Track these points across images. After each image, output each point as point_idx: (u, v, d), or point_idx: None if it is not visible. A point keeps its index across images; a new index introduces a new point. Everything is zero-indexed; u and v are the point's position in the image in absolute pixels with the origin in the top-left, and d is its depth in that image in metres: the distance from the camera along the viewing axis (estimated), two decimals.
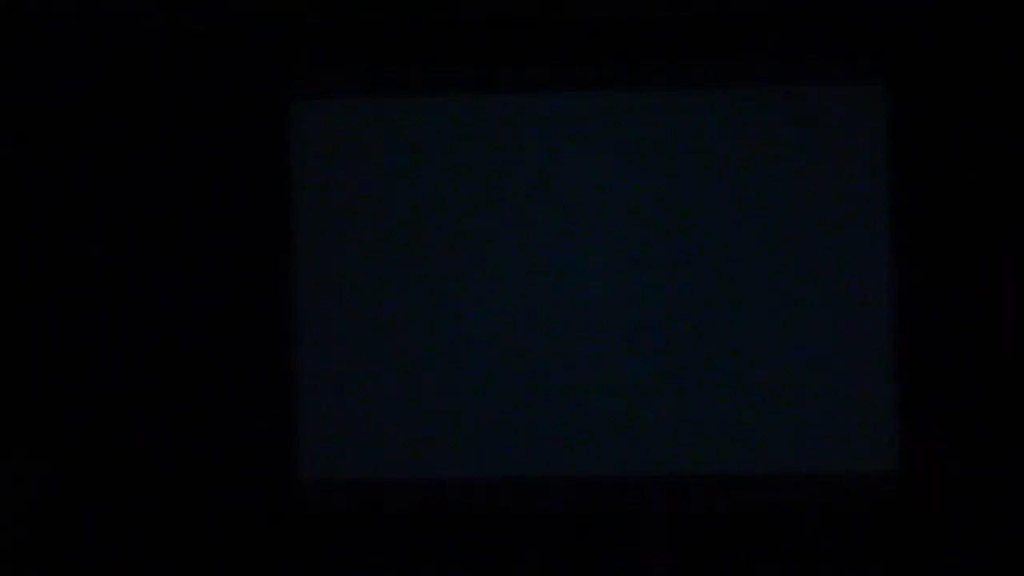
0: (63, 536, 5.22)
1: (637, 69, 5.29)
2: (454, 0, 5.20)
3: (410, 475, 5.26)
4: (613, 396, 5.23)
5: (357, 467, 5.28)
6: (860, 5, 5.20)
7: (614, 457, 5.22)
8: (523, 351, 5.26)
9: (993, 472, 5.09)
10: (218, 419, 5.24)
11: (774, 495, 5.18)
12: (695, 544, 5.18)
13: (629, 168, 5.28)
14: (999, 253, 5.12)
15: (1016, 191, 5.14)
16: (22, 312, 5.24)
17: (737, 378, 5.21)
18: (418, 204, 5.29)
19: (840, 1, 5.20)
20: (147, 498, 5.24)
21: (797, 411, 5.20)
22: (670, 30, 5.24)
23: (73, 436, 5.25)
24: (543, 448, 5.23)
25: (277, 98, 5.30)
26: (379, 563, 5.23)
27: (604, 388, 5.23)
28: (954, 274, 5.12)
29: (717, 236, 5.24)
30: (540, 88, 5.31)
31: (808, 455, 5.19)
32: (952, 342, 5.12)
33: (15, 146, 5.26)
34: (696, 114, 5.28)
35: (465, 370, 5.27)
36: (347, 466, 5.28)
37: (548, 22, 5.26)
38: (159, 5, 5.19)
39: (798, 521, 5.16)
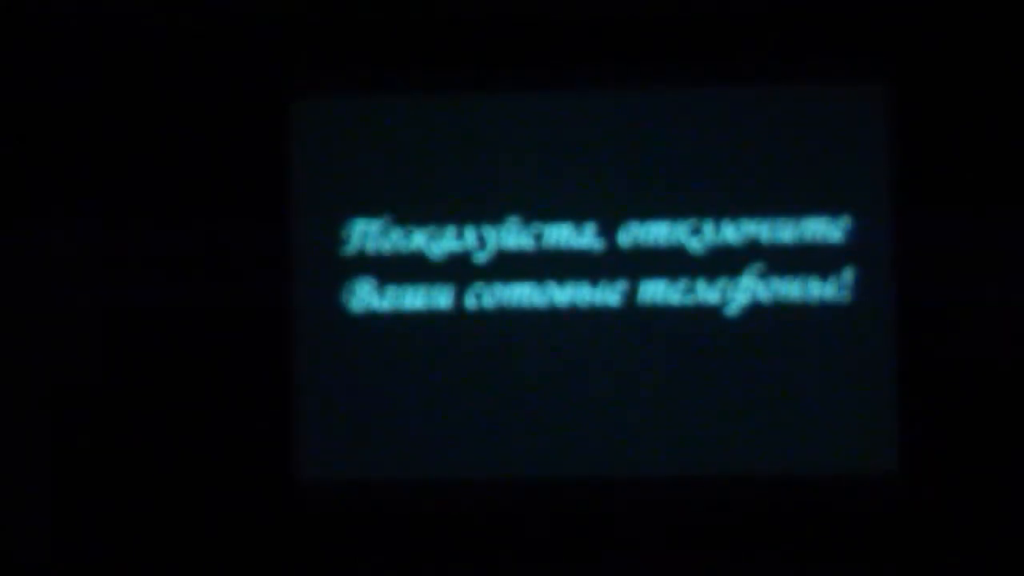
0: (63, 536, 5.22)
1: (637, 69, 5.29)
2: (454, 0, 5.21)
3: (410, 475, 5.26)
4: (613, 396, 5.23)
5: (357, 467, 5.28)
6: (861, 5, 5.20)
7: (614, 457, 5.22)
8: (523, 351, 5.27)
9: (992, 473, 5.09)
10: (218, 419, 5.24)
11: (773, 496, 5.17)
12: (695, 544, 5.18)
13: (629, 168, 5.28)
14: (999, 253, 5.11)
15: (1016, 190, 5.13)
16: (22, 312, 5.25)
17: (737, 379, 5.21)
18: (418, 204, 5.29)
19: (840, 1, 5.20)
20: (147, 498, 5.25)
21: (797, 412, 5.19)
22: (670, 30, 5.24)
23: (73, 436, 5.25)
24: (543, 448, 5.24)
25: (277, 98, 5.30)
26: (379, 563, 5.23)
27: (604, 388, 5.23)
28: (954, 274, 5.10)
29: (717, 235, 5.24)
30: (540, 88, 5.31)
31: (808, 456, 5.19)
32: (952, 343, 5.11)
33: (15, 146, 5.27)
34: (696, 114, 5.28)
35: (465, 370, 5.27)
36: (347, 466, 5.28)
37: (548, 22, 5.26)
38: (159, 5, 5.20)
39: (797, 522, 5.15)
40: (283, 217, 5.29)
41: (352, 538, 5.26)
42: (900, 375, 5.15)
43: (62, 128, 5.27)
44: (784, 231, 5.23)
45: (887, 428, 5.15)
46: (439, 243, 5.29)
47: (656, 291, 5.24)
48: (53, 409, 5.25)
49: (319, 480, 5.28)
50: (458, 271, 5.28)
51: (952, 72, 5.17)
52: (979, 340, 5.11)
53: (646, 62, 5.27)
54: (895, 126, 5.19)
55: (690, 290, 5.24)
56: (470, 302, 5.27)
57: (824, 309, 5.20)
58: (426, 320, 5.27)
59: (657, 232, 5.25)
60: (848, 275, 5.20)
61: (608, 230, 5.26)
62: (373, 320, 5.28)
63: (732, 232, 5.23)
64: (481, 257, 5.29)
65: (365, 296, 5.29)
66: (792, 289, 5.22)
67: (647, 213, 5.26)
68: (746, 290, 5.23)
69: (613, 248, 5.26)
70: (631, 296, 5.25)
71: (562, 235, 5.27)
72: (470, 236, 5.28)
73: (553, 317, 5.26)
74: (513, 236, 5.28)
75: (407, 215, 5.29)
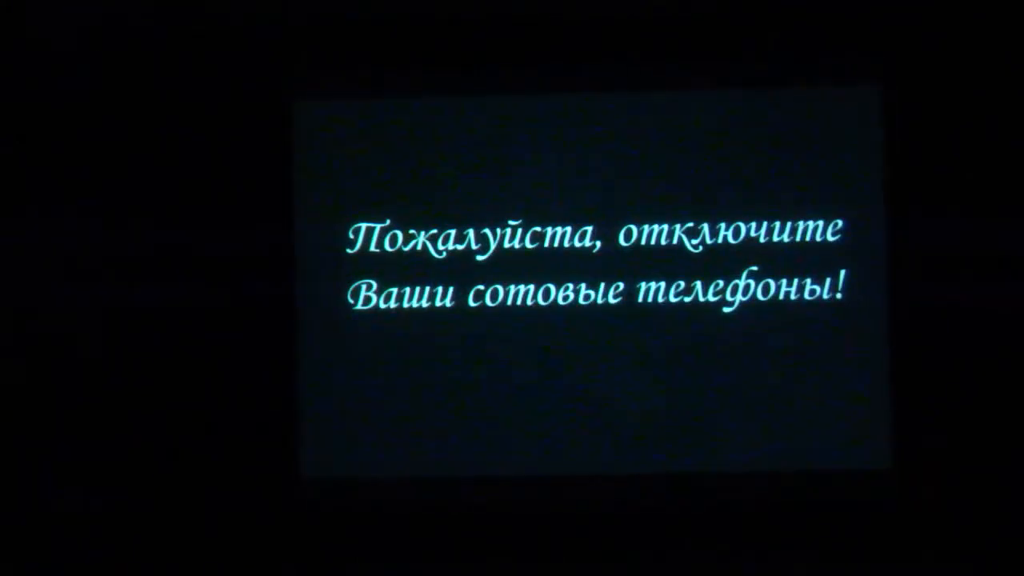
0: (67, 534, 5.23)
1: (637, 69, 5.30)
2: (454, 0, 5.20)
3: (412, 473, 5.30)
4: (614, 396, 5.28)
5: (358, 466, 5.31)
6: (858, 6, 5.22)
7: (614, 457, 5.27)
8: (524, 350, 5.30)
9: (987, 471, 5.16)
10: (221, 418, 5.25)
11: (769, 493, 5.23)
12: (692, 542, 5.23)
13: (629, 168, 5.30)
14: (995, 253, 5.15)
15: (1009, 192, 5.18)
16: (23, 312, 5.24)
17: (733, 378, 5.26)
18: (420, 204, 5.31)
19: (839, 2, 5.23)
20: (150, 496, 5.26)
21: (792, 411, 5.25)
22: (670, 30, 5.25)
23: (75, 435, 5.25)
24: (544, 448, 5.28)
25: (279, 98, 5.29)
26: (380, 561, 5.26)
27: (604, 388, 5.28)
28: (950, 274, 5.15)
29: (716, 235, 5.28)
30: (540, 88, 5.32)
31: (803, 454, 5.24)
32: (944, 342, 5.17)
33: (17, 146, 5.23)
34: (696, 114, 5.30)
35: (466, 370, 5.30)
36: (349, 465, 5.31)
37: (548, 22, 5.26)
38: (162, 6, 5.16)
39: (793, 518, 5.21)
40: (286, 218, 5.29)
41: (355, 535, 5.29)
42: (894, 374, 5.21)
43: (65, 128, 5.25)
44: (780, 232, 5.27)
45: (881, 426, 5.22)
46: (441, 243, 5.31)
47: (656, 290, 5.29)
48: (54, 409, 5.24)
49: (322, 478, 5.30)
50: (459, 271, 5.30)
51: (946, 74, 5.21)
52: (971, 339, 5.16)
53: (646, 62, 5.29)
54: (889, 128, 5.23)
55: (688, 290, 5.29)
56: (471, 302, 5.30)
57: (819, 309, 5.25)
58: (428, 319, 5.30)
59: (657, 231, 5.29)
60: (843, 275, 5.26)
61: (607, 231, 5.29)
62: (375, 319, 5.30)
63: (729, 233, 5.28)
64: (482, 257, 5.31)
65: (368, 296, 5.31)
66: (788, 289, 5.27)
67: (645, 214, 5.29)
68: (743, 290, 5.28)
69: (612, 249, 5.29)
70: (631, 295, 5.29)
71: (562, 236, 5.30)
72: (471, 236, 5.30)
73: (553, 316, 5.29)
74: (513, 235, 5.30)
75: (409, 215, 5.31)
